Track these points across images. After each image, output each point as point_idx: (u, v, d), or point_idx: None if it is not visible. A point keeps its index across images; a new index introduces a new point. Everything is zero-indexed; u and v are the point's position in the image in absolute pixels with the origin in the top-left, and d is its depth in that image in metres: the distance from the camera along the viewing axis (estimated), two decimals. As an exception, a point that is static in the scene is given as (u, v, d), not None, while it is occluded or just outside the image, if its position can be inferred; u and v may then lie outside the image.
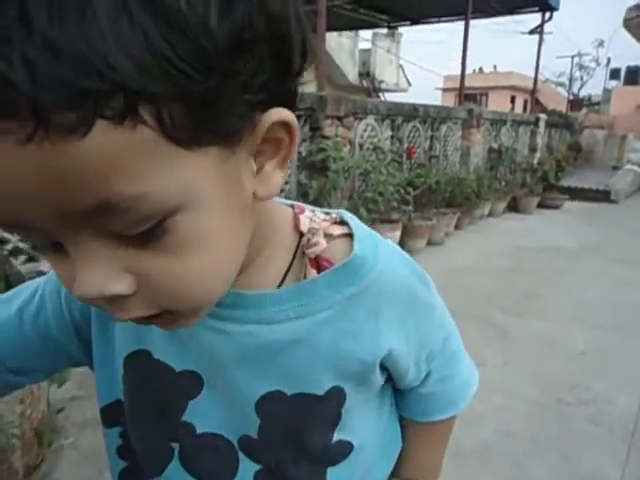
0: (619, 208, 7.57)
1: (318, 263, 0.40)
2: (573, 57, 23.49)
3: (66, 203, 0.24)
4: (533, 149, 8.59)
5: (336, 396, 0.43)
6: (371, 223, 4.05)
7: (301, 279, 0.40)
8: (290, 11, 0.28)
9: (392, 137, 4.97)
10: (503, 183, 6.83)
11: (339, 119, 4.10)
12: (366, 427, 0.48)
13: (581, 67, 22.95)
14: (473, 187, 5.51)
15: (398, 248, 0.47)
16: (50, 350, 0.46)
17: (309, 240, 0.41)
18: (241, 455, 0.44)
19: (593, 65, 23.63)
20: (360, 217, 3.91)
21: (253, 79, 0.26)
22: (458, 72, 7.20)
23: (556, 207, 7.22)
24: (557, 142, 9.88)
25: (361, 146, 4.47)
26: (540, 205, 7.07)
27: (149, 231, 0.26)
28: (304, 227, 0.41)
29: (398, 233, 4.31)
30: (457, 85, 7.33)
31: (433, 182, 5.01)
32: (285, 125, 0.30)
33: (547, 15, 8.63)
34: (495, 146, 7.06)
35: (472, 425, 2.04)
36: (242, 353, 0.40)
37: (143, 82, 0.21)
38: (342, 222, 0.43)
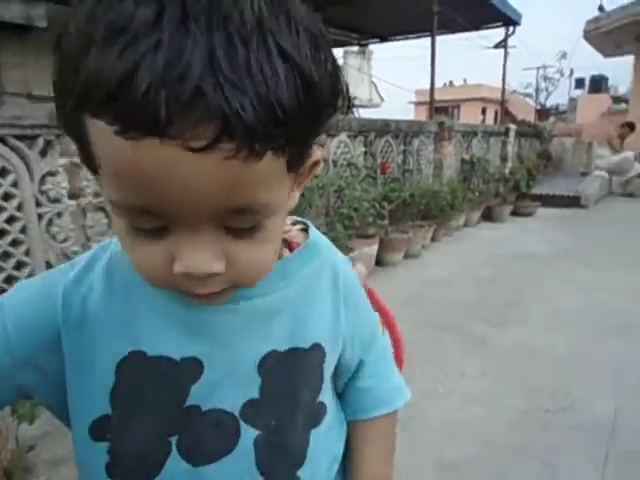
0: (589, 213, 7.76)
1: (290, 244, 0.53)
2: (538, 69, 24.27)
3: (226, 201, 0.33)
4: (504, 159, 8.78)
5: (318, 351, 0.52)
6: (348, 238, 4.07)
7: (282, 257, 0.51)
8: (342, 81, 0.38)
9: (365, 153, 5.03)
10: (477, 193, 6.95)
11: (312, 137, 4.13)
12: (329, 396, 0.56)
13: (546, 78, 23.70)
14: (447, 199, 5.59)
15: None
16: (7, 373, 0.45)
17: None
18: (242, 424, 0.48)
19: (557, 76, 24.45)
20: (337, 233, 3.90)
21: (321, 131, 0.38)
22: (429, 86, 7.37)
23: (529, 214, 7.37)
24: (527, 151, 10.13)
25: (335, 163, 4.51)
26: (513, 213, 7.20)
27: (252, 227, 0.36)
28: None
29: (375, 247, 4.34)
30: (428, 99, 7.49)
31: (408, 196, 5.07)
32: (317, 162, 0.43)
33: (510, 29, 8.93)
34: (467, 157, 7.20)
35: (454, 436, 2.04)
36: (244, 325, 0.47)
37: (296, 132, 0.33)
38: (299, 222, 0.57)
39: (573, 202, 8.00)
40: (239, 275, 0.39)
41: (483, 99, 25.83)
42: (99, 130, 0.31)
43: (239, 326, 0.47)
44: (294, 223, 0.57)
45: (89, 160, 0.35)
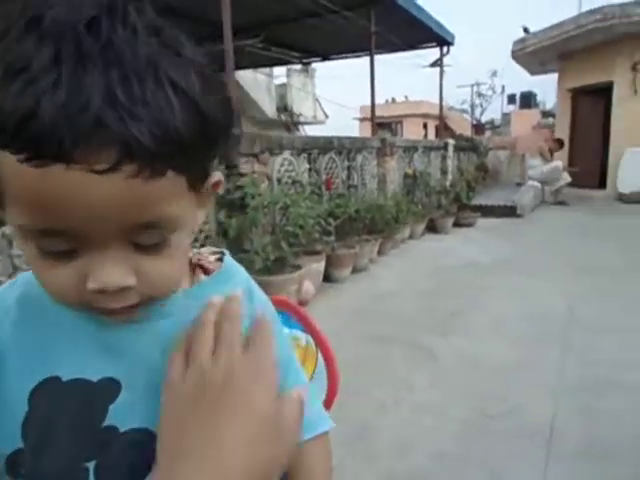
0: (525, 221, 8.18)
1: (206, 271, 0.55)
2: (472, 86, 25.60)
3: (133, 218, 0.36)
4: (445, 172, 9.13)
5: None
6: (294, 256, 4.05)
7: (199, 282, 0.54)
8: (232, 110, 0.43)
9: (310, 170, 5.07)
10: (420, 206, 7.16)
11: (254, 156, 4.12)
12: None
13: (480, 95, 25.02)
14: (392, 212, 5.71)
15: None
16: None
17: (199, 260, 0.56)
18: None
19: (490, 93, 25.86)
20: (282, 251, 3.85)
21: (217, 154, 0.44)
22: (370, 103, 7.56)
23: (470, 225, 7.67)
24: (466, 164, 10.58)
25: (279, 181, 4.50)
26: (455, 224, 7.46)
27: (158, 244, 0.40)
28: (193, 257, 0.56)
29: (323, 264, 4.35)
30: (370, 115, 7.68)
31: (353, 211, 5.14)
32: (218, 183, 0.47)
33: (444, 49, 9.35)
34: (410, 172, 7.43)
35: (404, 450, 2.05)
36: (156, 345, 0.47)
37: (193, 153, 0.38)
38: (216, 252, 0.59)
39: (510, 212, 8.41)
40: (149, 288, 0.41)
41: (424, 115, 26.83)
42: (6, 161, 0.33)
43: (151, 346, 0.47)
44: (212, 253, 0.59)
45: None
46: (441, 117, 10.14)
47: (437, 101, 9.94)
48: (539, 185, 9.80)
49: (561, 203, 9.66)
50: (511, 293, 4.23)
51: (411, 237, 6.64)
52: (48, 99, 0.31)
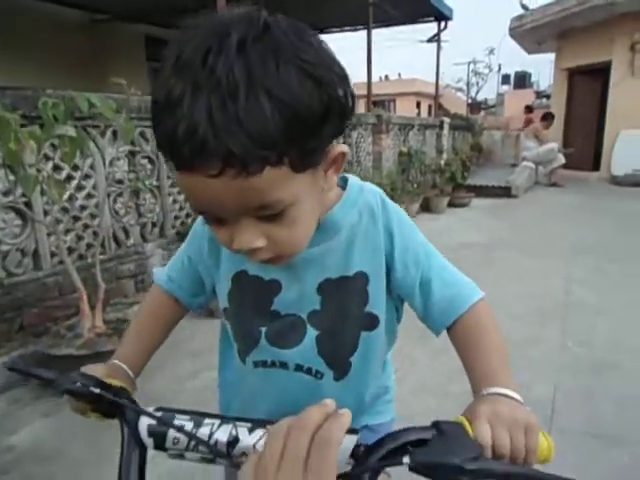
0: (519, 202, 8.13)
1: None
2: (469, 64, 25.24)
3: (247, 204, 0.48)
4: (440, 151, 9.03)
5: (361, 277, 0.69)
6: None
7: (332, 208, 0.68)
8: (348, 93, 0.51)
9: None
10: (415, 185, 7.08)
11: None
12: (384, 313, 0.73)
13: (476, 73, 24.70)
14: (387, 190, 5.62)
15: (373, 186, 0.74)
16: (200, 281, 0.79)
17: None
18: (308, 326, 0.71)
19: (486, 71, 25.55)
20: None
21: (332, 132, 0.50)
22: (366, 79, 7.38)
23: (465, 205, 7.61)
24: (460, 143, 10.48)
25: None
26: (450, 204, 7.40)
27: (277, 214, 0.51)
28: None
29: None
30: (365, 92, 7.51)
31: (349, 188, 5.03)
32: (342, 153, 0.56)
33: (443, 24, 9.15)
34: (405, 150, 7.32)
35: (401, 426, 2.01)
36: (306, 264, 0.67)
37: (287, 148, 0.45)
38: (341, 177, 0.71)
39: (505, 192, 8.36)
40: (278, 248, 0.54)
41: (417, 93, 26.54)
42: (169, 162, 0.48)
43: (303, 264, 0.67)
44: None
45: None
46: (436, 94, 9.99)
47: (430, 80, 9.79)
48: (533, 166, 9.75)
49: (555, 185, 9.62)
50: (508, 273, 4.19)
51: (406, 216, 6.56)
52: (178, 126, 0.43)
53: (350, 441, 0.46)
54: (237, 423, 0.54)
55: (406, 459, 0.44)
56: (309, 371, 0.73)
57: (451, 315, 0.69)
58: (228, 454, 0.53)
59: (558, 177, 9.73)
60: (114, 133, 3.00)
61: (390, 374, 0.89)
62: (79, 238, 2.95)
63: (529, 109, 12.23)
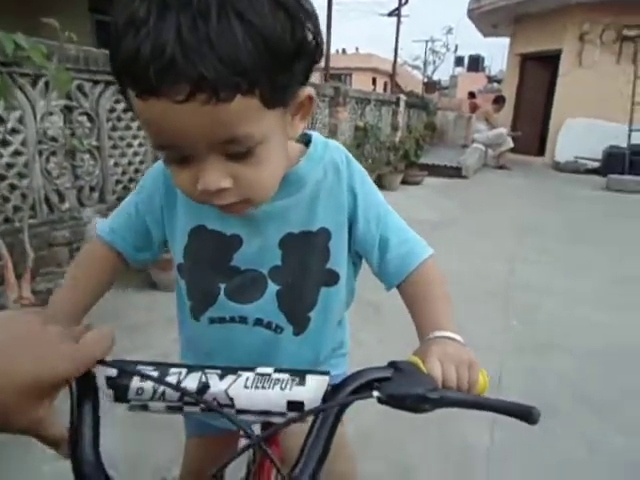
0: (469, 183, 8.31)
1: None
2: (427, 42, 25.24)
3: (215, 136, 0.46)
4: (395, 128, 9.02)
5: (323, 234, 0.70)
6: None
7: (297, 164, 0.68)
8: (319, 34, 0.51)
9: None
10: (370, 161, 7.03)
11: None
12: (344, 270, 0.75)
13: (433, 52, 24.78)
14: (342, 165, 5.53)
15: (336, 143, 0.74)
16: (147, 234, 0.76)
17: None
18: (269, 281, 0.71)
19: (444, 50, 25.69)
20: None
21: (302, 72, 0.51)
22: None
23: (417, 183, 7.68)
24: (415, 122, 10.52)
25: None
26: (403, 181, 7.43)
27: (246, 152, 0.49)
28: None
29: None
30: (323, 64, 7.31)
31: (303, 160, 4.91)
32: (309, 97, 0.55)
33: (403, -1, 9.03)
34: (361, 124, 7.23)
35: (352, 411, 1.98)
36: (269, 218, 0.68)
37: (259, 77, 0.44)
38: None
39: (455, 172, 8.51)
40: (244, 190, 0.53)
41: (374, 69, 26.42)
42: (130, 94, 0.46)
43: (265, 218, 0.67)
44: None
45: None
46: (394, 69, 9.94)
47: (388, 56, 9.68)
48: (483, 148, 9.97)
49: (502, 167, 9.91)
50: (456, 251, 4.25)
51: (359, 192, 6.53)
52: (142, 47, 0.41)
53: (324, 381, 0.52)
54: (206, 370, 0.53)
55: (376, 393, 0.49)
56: (269, 325, 0.73)
57: (404, 271, 0.72)
58: (197, 401, 0.52)
59: (506, 160, 10.02)
60: (47, 85, 2.70)
61: (345, 329, 0.90)
62: (5, 199, 2.66)
63: (472, 95, 12.81)
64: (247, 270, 0.70)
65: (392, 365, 0.53)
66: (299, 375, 0.52)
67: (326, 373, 0.53)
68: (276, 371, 0.53)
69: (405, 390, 0.50)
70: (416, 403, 0.49)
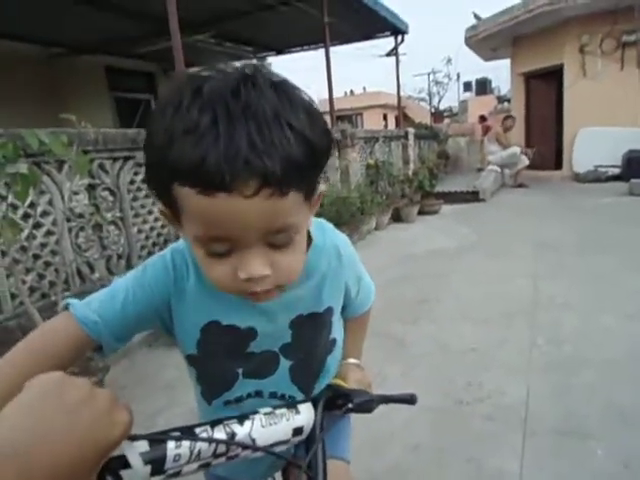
0: (487, 206, 8.29)
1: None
2: (429, 74, 25.82)
3: (270, 226, 0.52)
4: (407, 161, 9.18)
5: (328, 311, 0.78)
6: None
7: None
8: (332, 137, 0.58)
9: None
10: (384, 196, 7.16)
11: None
12: (339, 330, 0.86)
13: (437, 82, 25.26)
14: (357, 204, 5.67)
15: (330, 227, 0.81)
16: (133, 325, 0.71)
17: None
18: (281, 357, 0.77)
19: (446, 80, 26.15)
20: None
21: (322, 170, 0.58)
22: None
23: (434, 212, 7.72)
24: (427, 152, 10.67)
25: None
26: (420, 212, 7.49)
27: (286, 242, 0.55)
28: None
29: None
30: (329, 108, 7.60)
31: (317, 204, 5.06)
32: (321, 193, 0.62)
33: (399, 38, 9.37)
34: (372, 162, 7.41)
35: (380, 444, 2.00)
36: (282, 307, 0.72)
37: (307, 174, 0.53)
38: None
39: (473, 197, 8.52)
40: (281, 276, 0.57)
41: (383, 105, 26.97)
42: (185, 193, 0.49)
43: (278, 307, 0.72)
44: None
45: (173, 215, 0.55)
46: (399, 106, 10.18)
47: (395, 91, 9.96)
48: (499, 169, 9.98)
49: (521, 185, 9.87)
50: (477, 276, 4.26)
51: (377, 228, 6.63)
52: (212, 150, 0.46)
53: (309, 406, 0.69)
54: (225, 422, 0.60)
55: (350, 405, 0.72)
56: (282, 397, 0.81)
57: (358, 312, 0.91)
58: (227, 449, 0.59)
59: (523, 178, 9.98)
60: (71, 167, 2.96)
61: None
62: (40, 277, 2.88)
63: (483, 118, 12.93)
64: (261, 352, 0.75)
65: (330, 387, 0.80)
66: (293, 407, 0.67)
67: (307, 400, 0.71)
68: (275, 407, 0.66)
69: (363, 399, 0.73)
70: (370, 404, 0.73)
